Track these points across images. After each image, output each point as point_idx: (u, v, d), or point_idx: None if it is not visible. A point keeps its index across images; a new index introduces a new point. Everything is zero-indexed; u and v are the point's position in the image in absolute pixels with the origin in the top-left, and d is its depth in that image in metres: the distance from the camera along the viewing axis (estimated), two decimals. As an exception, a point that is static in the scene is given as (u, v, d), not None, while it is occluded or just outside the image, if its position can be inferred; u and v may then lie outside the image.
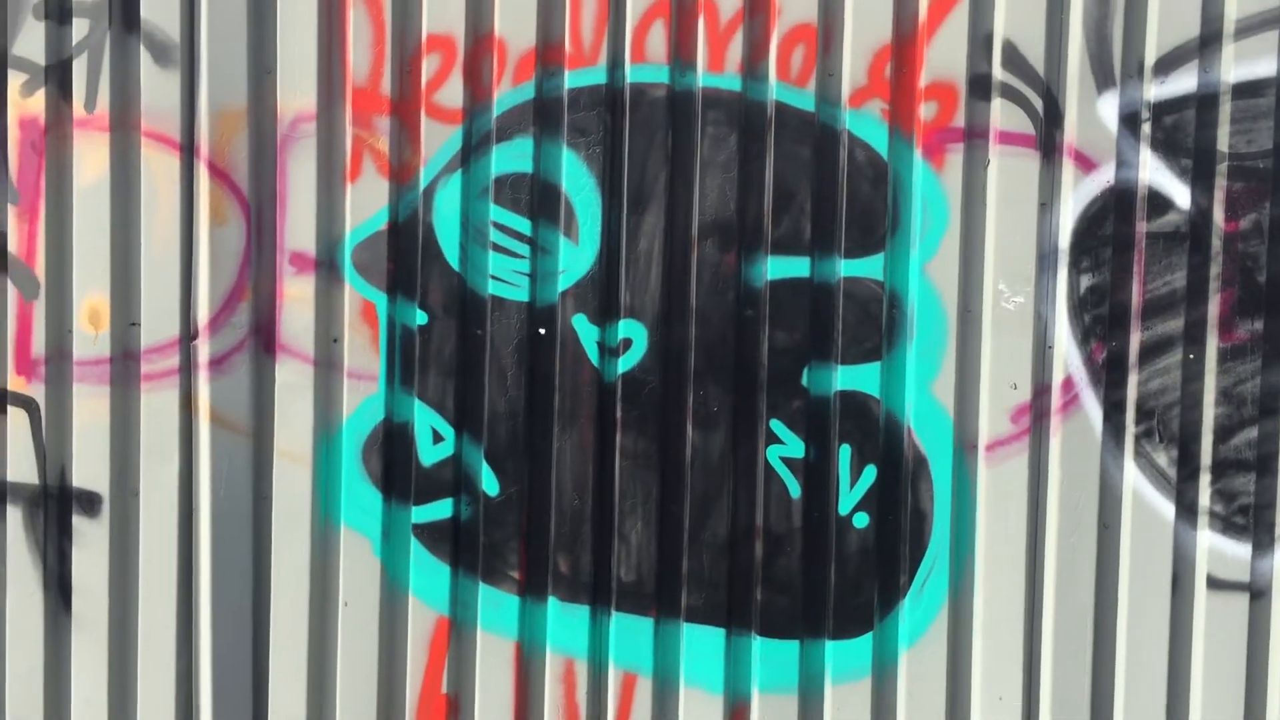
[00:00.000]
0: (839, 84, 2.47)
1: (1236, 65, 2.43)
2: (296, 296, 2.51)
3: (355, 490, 2.53)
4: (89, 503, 2.54)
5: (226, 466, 2.52)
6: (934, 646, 2.50)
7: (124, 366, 2.53)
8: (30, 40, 2.50)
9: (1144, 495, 2.48)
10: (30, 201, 2.52)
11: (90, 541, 2.54)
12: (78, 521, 2.54)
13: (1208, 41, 2.43)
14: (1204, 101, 2.44)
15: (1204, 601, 2.48)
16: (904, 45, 2.46)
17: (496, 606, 2.53)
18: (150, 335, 2.53)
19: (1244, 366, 2.46)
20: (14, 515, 2.55)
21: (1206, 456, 2.47)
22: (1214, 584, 2.48)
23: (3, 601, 2.56)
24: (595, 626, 2.54)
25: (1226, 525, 2.48)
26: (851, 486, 2.51)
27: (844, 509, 2.52)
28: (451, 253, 2.51)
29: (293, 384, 2.52)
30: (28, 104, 2.52)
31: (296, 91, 2.49)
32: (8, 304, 2.53)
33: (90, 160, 2.51)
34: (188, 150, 2.51)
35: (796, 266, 2.49)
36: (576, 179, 2.50)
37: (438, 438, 2.53)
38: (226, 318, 2.51)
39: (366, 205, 2.50)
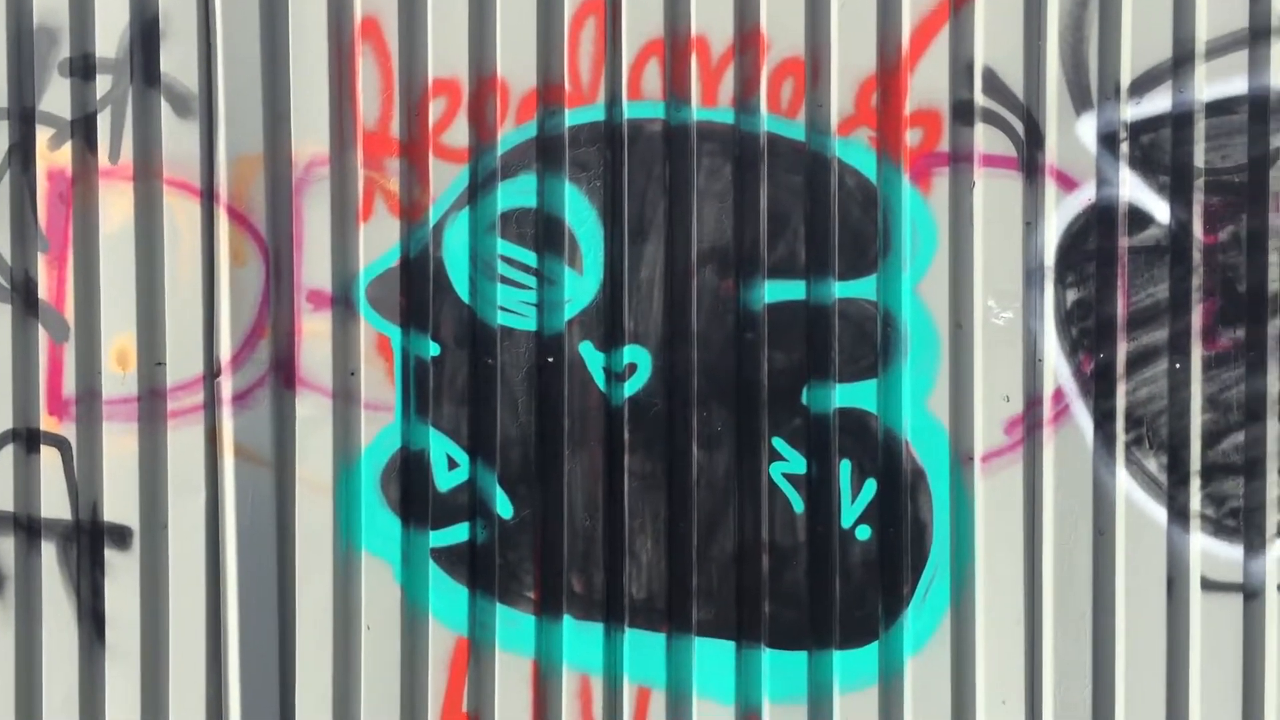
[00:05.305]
0: (828, 114, 2.57)
1: (1209, 84, 2.53)
2: (314, 332, 2.62)
3: (375, 517, 2.62)
4: (120, 536, 2.64)
5: (251, 498, 2.62)
6: (938, 654, 2.57)
7: (151, 404, 2.64)
8: (57, 96, 2.62)
9: (1136, 501, 2.56)
10: (59, 249, 2.64)
11: (122, 574, 2.64)
12: (109, 555, 2.64)
13: (1180, 62, 2.53)
14: (1179, 120, 2.53)
15: (1199, 603, 2.55)
16: (888, 75, 2.57)
17: (514, 626, 2.62)
18: (175, 373, 2.63)
19: (1228, 374, 2.54)
20: (48, 550, 2.65)
21: (1196, 462, 2.55)
22: (1208, 585, 2.55)
23: (39, 633, 2.65)
24: (609, 643, 2.62)
25: (1218, 528, 2.55)
26: (853, 500, 2.60)
27: (846, 522, 2.60)
28: (461, 286, 2.61)
29: (312, 416, 2.62)
30: (55, 157, 2.64)
31: (310, 137, 2.61)
32: (39, 347, 2.64)
33: (115, 208, 2.63)
34: (208, 196, 2.62)
35: (793, 289, 2.58)
36: (579, 212, 2.60)
37: (453, 464, 2.63)
38: (248, 355, 2.62)
39: (379, 243, 2.61)
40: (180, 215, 2.63)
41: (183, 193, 2.63)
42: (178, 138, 2.62)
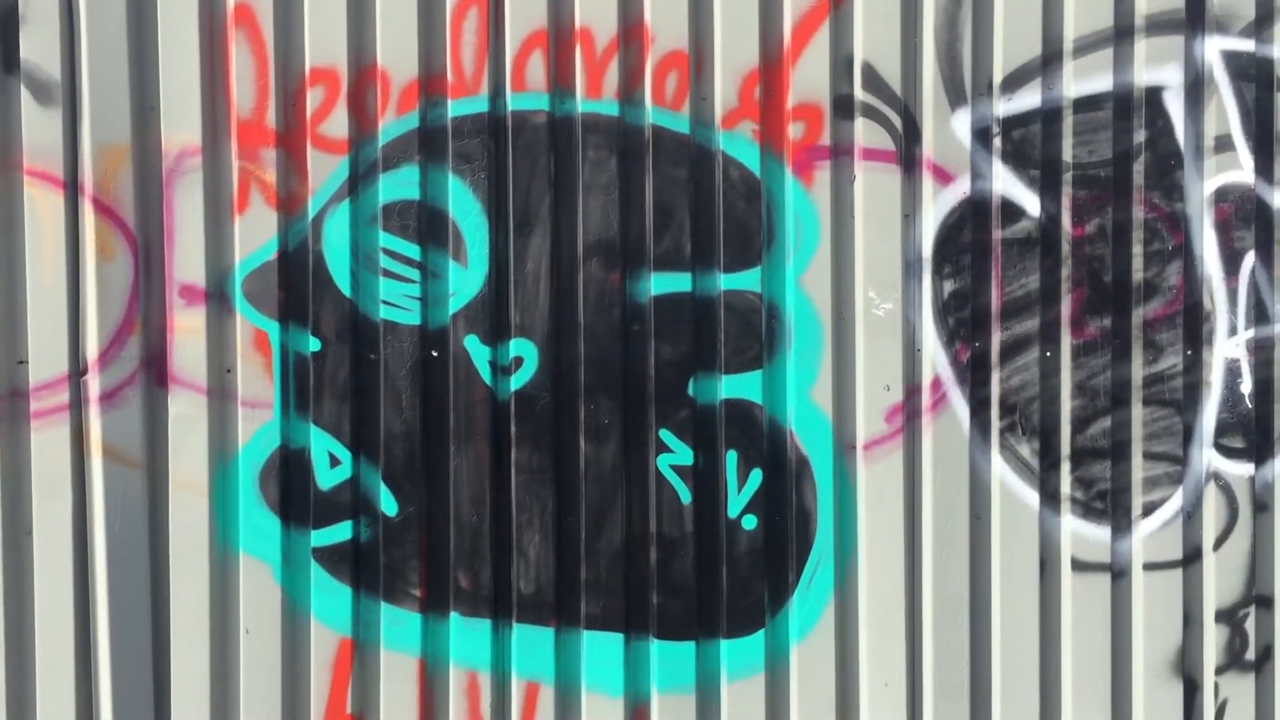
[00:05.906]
0: (711, 107, 2.59)
1: (1076, 82, 2.61)
2: (187, 328, 2.54)
3: (253, 517, 2.55)
4: (-20, 543, 2.52)
5: (121, 500, 2.52)
6: (823, 639, 2.61)
7: (12, 404, 2.52)
8: (-94, 82, 2.49)
9: (1010, 486, 2.64)
10: (-90, 243, 2.51)
11: (-17, 583, 2.52)
12: (-31, 563, 2.52)
13: (1049, 60, 2.61)
14: (1048, 116, 2.61)
15: (1070, 583, 2.64)
16: (771, 69, 2.59)
17: (399, 625, 2.58)
18: (39, 372, 2.52)
19: (1096, 361, 2.64)
20: (-98, 560, 2.52)
21: (1066, 447, 2.64)
22: (1078, 566, 2.64)
23: (-108, 647, 2.52)
24: (497, 639, 2.60)
25: (1087, 510, 2.65)
26: (739, 490, 2.62)
27: (733, 512, 2.62)
28: (342, 280, 2.56)
29: (186, 415, 2.53)
30: (-95, 146, 2.50)
31: (181, 126, 2.52)
32: (-110, 347, 2.51)
33: (-29, 200, 2.51)
34: (71, 187, 2.52)
35: (678, 282, 2.59)
36: (463, 204, 2.57)
37: (335, 462, 2.57)
38: (116, 352, 2.52)
39: (255, 236, 2.54)
40: (42, 208, 2.52)
41: (45, 184, 2.51)
42: (39, 127, 2.50)
